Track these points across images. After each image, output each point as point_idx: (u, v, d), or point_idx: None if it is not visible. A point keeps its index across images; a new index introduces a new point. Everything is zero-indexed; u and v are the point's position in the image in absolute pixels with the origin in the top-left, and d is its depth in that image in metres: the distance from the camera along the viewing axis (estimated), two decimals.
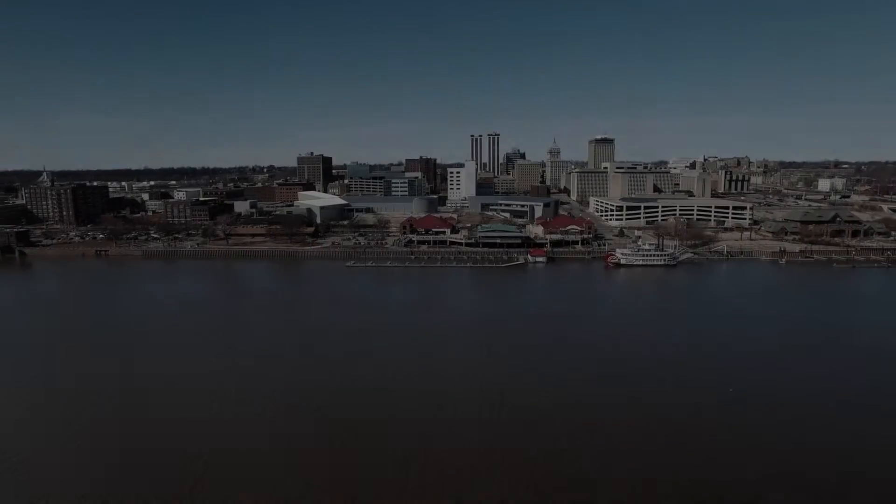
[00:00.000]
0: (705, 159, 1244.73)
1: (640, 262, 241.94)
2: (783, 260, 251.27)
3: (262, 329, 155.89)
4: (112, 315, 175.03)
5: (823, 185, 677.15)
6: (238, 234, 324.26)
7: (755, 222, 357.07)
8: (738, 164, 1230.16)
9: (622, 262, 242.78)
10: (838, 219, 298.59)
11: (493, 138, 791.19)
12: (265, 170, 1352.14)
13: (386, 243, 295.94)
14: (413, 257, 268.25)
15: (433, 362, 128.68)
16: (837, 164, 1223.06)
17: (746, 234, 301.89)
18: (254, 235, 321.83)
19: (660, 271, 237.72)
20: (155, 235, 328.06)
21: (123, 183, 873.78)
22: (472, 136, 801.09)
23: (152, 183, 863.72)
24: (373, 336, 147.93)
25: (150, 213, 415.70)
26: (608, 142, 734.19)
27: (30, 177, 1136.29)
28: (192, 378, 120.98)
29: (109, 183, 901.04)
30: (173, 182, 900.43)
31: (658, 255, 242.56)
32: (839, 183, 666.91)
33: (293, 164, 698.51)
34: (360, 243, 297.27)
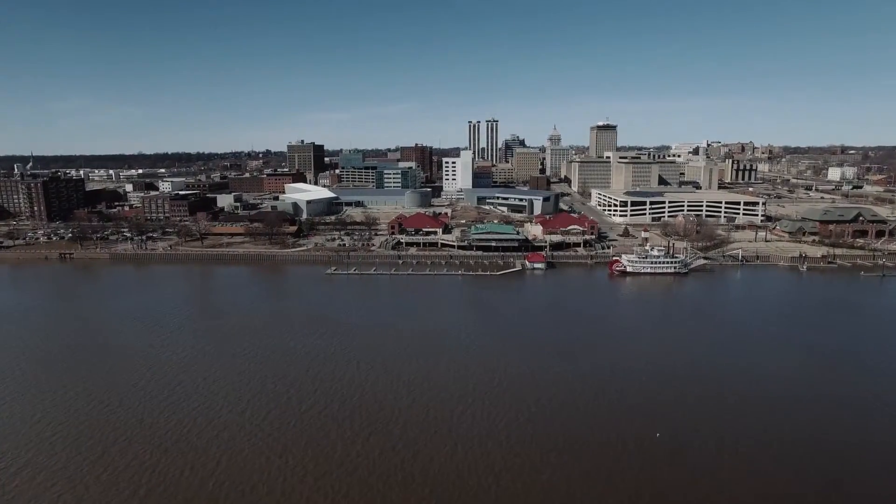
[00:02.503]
0: (708, 144, 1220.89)
1: (649, 270, 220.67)
2: (804, 267, 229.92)
3: (210, 362, 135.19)
4: (44, 342, 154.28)
5: (833, 173, 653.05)
6: (215, 233, 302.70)
7: (768, 218, 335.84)
8: (743, 149, 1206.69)
9: (628, 269, 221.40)
10: (861, 218, 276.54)
11: (492, 125, 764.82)
12: (260, 155, 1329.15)
13: (373, 244, 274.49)
14: (400, 262, 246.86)
15: (405, 428, 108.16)
16: (844, 150, 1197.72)
17: (761, 234, 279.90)
18: (232, 235, 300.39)
19: (669, 281, 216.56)
20: (127, 234, 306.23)
21: (111, 171, 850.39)
22: (470, 122, 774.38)
23: (140, 171, 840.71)
24: (335, 381, 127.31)
25: (126, 209, 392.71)
26: (610, 129, 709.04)
27: (17, 163, 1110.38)
28: (119, 430, 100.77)
29: (97, 170, 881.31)
30: (162, 171, 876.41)
31: (668, 263, 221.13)
32: (850, 171, 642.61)
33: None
34: (345, 244, 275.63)
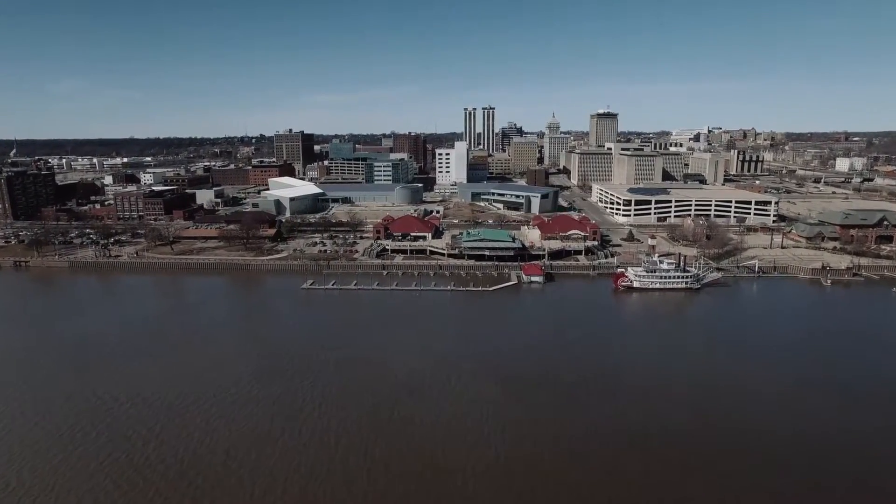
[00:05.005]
0: (710, 131, 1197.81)
1: (658, 286, 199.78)
2: (828, 281, 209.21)
3: (151, 419, 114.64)
4: None
5: (842, 164, 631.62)
6: (187, 236, 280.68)
7: (781, 218, 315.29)
8: (744, 136, 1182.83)
9: (635, 285, 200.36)
10: (885, 222, 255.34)
11: (488, 112, 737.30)
12: (253, 140, 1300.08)
13: (356, 251, 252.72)
14: (385, 273, 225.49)
15: None
16: (848, 137, 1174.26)
17: (776, 239, 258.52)
18: (206, 239, 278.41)
19: (680, 297, 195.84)
20: (93, 237, 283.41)
21: (96, 159, 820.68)
22: (466, 109, 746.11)
23: (125, 160, 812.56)
24: (291, 454, 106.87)
25: (97, 206, 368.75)
26: (611, 116, 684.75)
27: (2, 148, 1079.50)
28: None
29: (81, 159, 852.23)
30: (148, 159, 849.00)
31: (679, 278, 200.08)
32: (859, 163, 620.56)
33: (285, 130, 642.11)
34: (326, 250, 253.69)
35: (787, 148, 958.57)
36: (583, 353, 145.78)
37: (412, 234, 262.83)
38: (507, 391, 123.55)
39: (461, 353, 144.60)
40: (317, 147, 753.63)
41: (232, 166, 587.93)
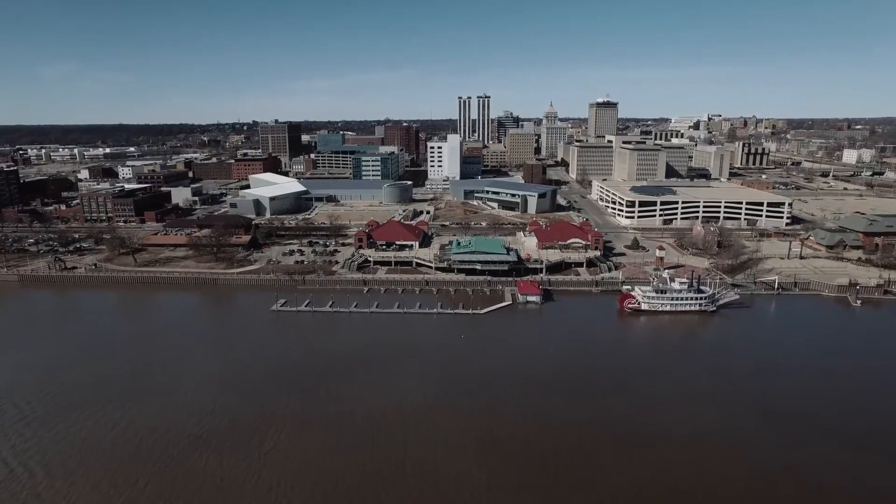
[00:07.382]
0: (710, 118, 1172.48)
1: (668, 308, 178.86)
2: (857, 301, 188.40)
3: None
4: None
5: (849, 155, 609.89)
6: (154, 244, 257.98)
7: (794, 220, 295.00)
8: (745, 124, 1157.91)
9: (643, 307, 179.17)
10: None
11: (483, 101, 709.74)
12: (245, 127, 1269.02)
13: (337, 261, 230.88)
14: (366, 290, 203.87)
15: None
16: (850, 125, 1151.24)
17: (794, 248, 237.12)
18: (175, 246, 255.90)
19: (694, 322, 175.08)
20: (51, 244, 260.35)
21: (76, 150, 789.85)
22: (460, 98, 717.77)
23: (106, 151, 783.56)
24: None
25: (65, 207, 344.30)
26: (611, 106, 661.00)
27: None
28: None
29: (62, 149, 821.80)
30: (132, 149, 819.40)
31: (692, 300, 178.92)
32: (867, 154, 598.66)
33: (278, 118, 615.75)
34: (303, 261, 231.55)
35: (789, 137, 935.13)
36: (587, 408, 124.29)
37: (397, 242, 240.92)
38: (498, 471, 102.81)
39: (447, 411, 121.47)
40: (307, 137, 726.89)
41: (215, 159, 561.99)
